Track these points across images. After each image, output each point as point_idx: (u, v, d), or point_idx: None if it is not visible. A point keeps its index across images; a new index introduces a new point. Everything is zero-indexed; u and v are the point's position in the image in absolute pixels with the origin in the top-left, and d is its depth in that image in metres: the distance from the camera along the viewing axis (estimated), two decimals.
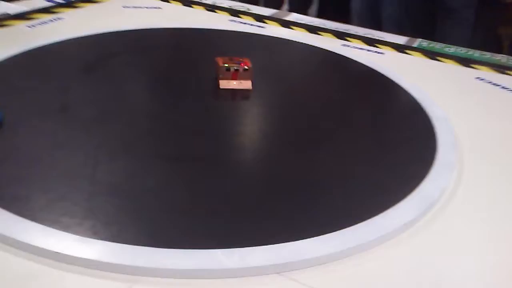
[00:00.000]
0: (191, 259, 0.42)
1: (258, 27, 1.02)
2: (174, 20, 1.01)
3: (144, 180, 0.53)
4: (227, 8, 1.11)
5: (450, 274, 0.44)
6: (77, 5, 1.04)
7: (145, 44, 0.88)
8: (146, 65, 0.82)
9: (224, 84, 0.72)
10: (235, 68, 0.72)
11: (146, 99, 0.73)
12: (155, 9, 1.07)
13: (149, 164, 0.56)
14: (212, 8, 1.11)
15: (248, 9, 1.12)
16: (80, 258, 0.42)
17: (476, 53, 0.97)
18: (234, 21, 1.05)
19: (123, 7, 1.06)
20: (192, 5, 1.12)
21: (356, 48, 0.95)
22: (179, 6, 1.11)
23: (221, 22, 1.03)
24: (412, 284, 0.43)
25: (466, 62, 0.92)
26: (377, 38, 1.01)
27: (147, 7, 1.07)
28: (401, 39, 1.01)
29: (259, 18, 1.07)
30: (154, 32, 0.93)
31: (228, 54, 0.75)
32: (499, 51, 1.01)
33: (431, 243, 0.48)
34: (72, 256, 0.42)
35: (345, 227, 0.46)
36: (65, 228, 0.44)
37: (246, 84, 0.73)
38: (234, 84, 0.72)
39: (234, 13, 1.09)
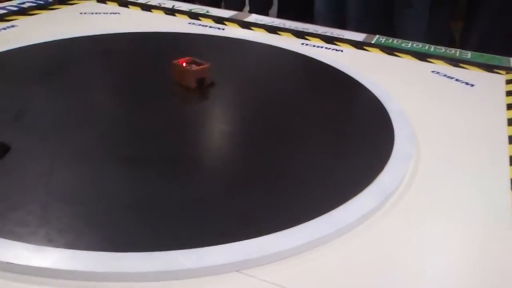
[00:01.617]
0: (149, 262, 0.42)
1: (217, 29, 1.02)
2: (133, 25, 1.01)
3: (101, 185, 0.52)
4: (186, 11, 1.11)
5: (407, 264, 0.45)
6: (32, 12, 1.03)
7: (103, 50, 0.87)
8: (105, 70, 0.81)
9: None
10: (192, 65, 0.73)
11: (104, 104, 0.72)
12: (113, 14, 1.06)
13: (106, 168, 0.55)
14: (171, 12, 1.10)
15: (208, 12, 1.12)
16: (35, 267, 0.41)
17: (431, 48, 0.99)
18: (194, 23, 1.05)
19: (80, 13, 1.05)
20: (152, 10, 1.11)
21: (315, 46, 0.96)
22: (138, 11, 1.11)
23: (180, 25, 1.03)
24: (371, 275, 0.43)
25: (422, 56, 0.94)
26: (336, 36, 1.02)
27: (105, 13, 1.06)
28: (359, 36, 1.03)
29: (219, 20, 1.07)
30: (113, 37, 0.92)
31: (188, 56, 0.75)
32: (453, 44, 1.03)
33: (389, 234, 0.48)
34: (27, 266, 0.41)
35: (304, 222, 0.47)
36: (19, 238, 0.43)
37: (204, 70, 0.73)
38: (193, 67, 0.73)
39: (194, 16, 1.09)
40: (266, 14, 1.64)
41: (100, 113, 0.68)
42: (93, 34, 0.92)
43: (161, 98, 0.72)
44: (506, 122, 0.72)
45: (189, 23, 1.05)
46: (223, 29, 1.03)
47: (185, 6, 1.14)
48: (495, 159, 0.63)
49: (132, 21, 1.04)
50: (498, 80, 0.86)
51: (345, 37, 1.01)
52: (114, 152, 0.58)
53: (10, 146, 0.57)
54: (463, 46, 1.01)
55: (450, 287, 0.43)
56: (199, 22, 1.06)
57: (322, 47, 0.96)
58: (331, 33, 1.04)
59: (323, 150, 0.61)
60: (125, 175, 0.54)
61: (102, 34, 0.92)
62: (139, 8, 1.12)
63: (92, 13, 1.05)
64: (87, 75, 0.77)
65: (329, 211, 0.48)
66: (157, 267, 0.42)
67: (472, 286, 0.43)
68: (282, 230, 0.45)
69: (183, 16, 1.09)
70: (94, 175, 0.54)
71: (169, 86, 0.74)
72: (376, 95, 0.75)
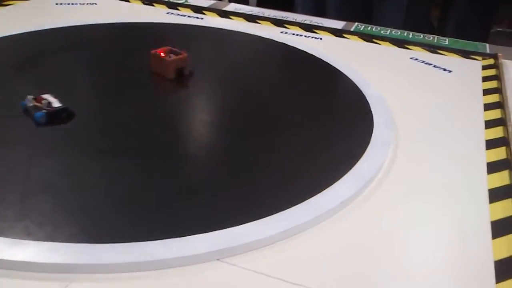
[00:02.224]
0: (129, 253, 0.42)
1: (196, 19, 1.01)
2: (110, 15, 0.99)
3: (79, 177, 0.52)
4: (164, 1, 1.10)
5: (387, 250, 0.46)
6: (6, 3, 1.01)
7: (80, 41, 0.86)
8: (82, 61, 0.80)
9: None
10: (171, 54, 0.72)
11: (82, 95, 0.71)
12: (90, 5, 1.04)
13: (85, 159, 0.55)
14: (149, 1, 1.09)
15: (186, 1, 1.11)
16: (14, 261, 0.41)
17: (410, 35, 1.00)
18: (172, 13, 1.04)
19: (56, 4, 1.03)
20: (129, 0, 1.10)
21: (295, 34, 0.96)
22: (115, 1, 1.09)
23: (158, 15, 1.02)
24: (350, 261, 0.44)
25: (400, 43, 0.94)
26: (315, 24, 1.02)
27: (81, 4, 1.04)
28: (338, 24, 1.03)
29: (198, 9, 1.06)
30: (90, 28, 0.91)
31: (166, 46, 0.74)
32: (432, 31, 1.04)
33: (368, 220, 0.49)
34: (5, 260, 0.41)
35: (283, 210, 0.47)
36: None
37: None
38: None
39: (172, 5, 1.08)
40: (246, 3, 1.63)
41: (78, 105, 0.67)
42: (70, 25, 0.90)
43: (139, 89, 0.71)
44: (482, 107, 0.73)
45: (168, 13, 1.04)
46: (202, 18, 1.02)
47: None
48: (472, 144, 0.63)
49: (110, 12, 1.02)
50: (475, 66, 0.87)
51: (324, 25, 1.01)
52: (92, 144, 0.58)
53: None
54: (441, 34, 1.02)
55: (431, 271, 0.44)
56: (177, 11, 1.05)
57: (301, 35, 0.96)
58: (310, 21, 1.04)
59: (302, 137, 0.61)
60: (104, 166, 0.54)
61: (79, 25, 0.91)
62: None
63: (69, 4, 1.04)
64: (63, 67, 0.76)
65: (308, 198, 0.49)
66: (137, 258, 0.42)
67: (452, 270, 0.44)
68: (262, 218, 0.46)
69: (161, 6, 1.08)
70: (72, 167, 0.53)
71: (147, 77, 0.74)
72: (355, 82, 0.75)
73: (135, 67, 0.76)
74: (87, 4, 1.05)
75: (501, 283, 0.42)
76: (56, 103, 0.61)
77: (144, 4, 1.08)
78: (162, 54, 0.72)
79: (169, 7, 1.07)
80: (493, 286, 0.42)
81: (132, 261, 0.41)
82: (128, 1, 1.09)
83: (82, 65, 0.79)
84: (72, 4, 1.04)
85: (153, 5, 1.08)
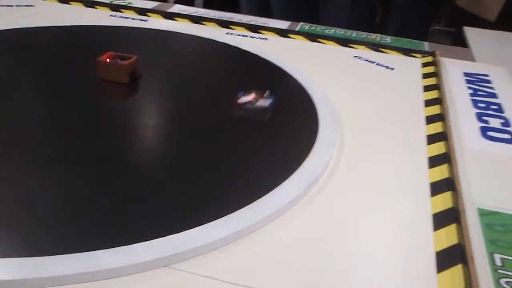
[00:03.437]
0: (74, 264, 0.41)
1: (140, 21, 1.00)
2: (50, 18, 0.96)
3: (18, 189, 0.50)
4: (107, 3, 1.07)
5: (336, 246, 0.46)
6: None
7: (19, 46, 0.83)
8: (22, 67, 0.77)
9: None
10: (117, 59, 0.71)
11: (22, 102, 0.68)
12: (27, 7, 1.01)
13: (28, 170, 0.53)
14: (91, 4, 1.07)
15: (129, 3, 1.09)
16: None
17: (353, 33, 1.02)
18: (115, 16, 1.02)
19: None
20: (70, 2, 1.07)
21: (240, 35, 0.96)
22: (54, 3, 1.06)
23: (101, 18, 1.00)
24: (300, 259, 0.44)
25: (344, 42, 0.96)
26: (260, 24, 1.02)
27: (18, 5, 1.00)
28: (283, 24, 1.04)
29: (141, 11, 1.05)
30: (28, 32, 0.88)
31: (110, 50, 0.72)
32: (374, 31, 1.07)
33: (317, 218, 0.50)
34: None
35: (231, 212, 0.47)
36: None
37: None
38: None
39: (115, 8, 1.06)
40: (191, 5, 1.62)
41: (17, 112, 0.65)
42: (5, 28, 0.87)
43: (82, 95, 0.69)
44: (423, 103, 0.75)
45: (111, 15, 1.02)
46: (146, 20, 1.00)
47: None
48: (415, 139, 0.65)
49: (49, 14, 0.99)
50: (415, 63, 0.90)
51: (269, 26, 1.02)
52: (36, 153, 0.56)
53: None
54: (383, 32, 1.05)
55: (377, 265, 0.45)
56: (120, 14, 1.03)
57: (247, 36, 0.96)
58: (256, 21, 1.04)
59: (248, 139, 0.62)
60: (48, 176, 0.52)
61: (15, 28, 0.87)
62: (56, 0, 1.07)
63: (4, 6, 0.99)
64: (2, 72, 0.73)
65: (256, 199, 0.49)
66: (83, 268, 0.40)
67: (398, 262, 0.45)
68: (209, 222, 0.45)
69: (104, 8, 1.05)
70: (15, 178, 0.51)
71: (92, 82, 0.72)
72: (300, 81, 0.76)
73: (79, 72, 0.74)
74: (24, 6, 1.01)
75: (441, 272, 0.44)
76: None
77: (86, 6, 1.06)
78: (108, 60, 0.70)
79: (112, 10, 1.05)
80: (434, 275, 0.43)
81: (79, 272, 0.40)
82: (69, 3, 1.06)
83: (21, 72, 0.76)
84: (8, 6, 1.00)
85: (95, 8, 1.05)
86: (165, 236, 0.43)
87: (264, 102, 0.66)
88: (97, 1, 1.07)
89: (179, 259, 0.42)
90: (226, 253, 0.44)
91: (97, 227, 0.45)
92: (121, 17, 1.01)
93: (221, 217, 0.46)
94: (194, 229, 0.44)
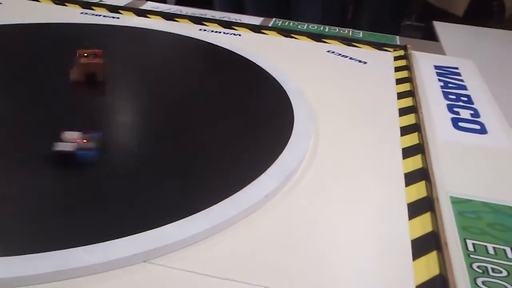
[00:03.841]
0: (50, 262, 0.40)
1: (112, 18, 0.99)
2: (17, 15, 0.94)
3: None
4: (78, 0, 1.06)
5: (313, 239, 0.47)
6: None
7: None
8: None
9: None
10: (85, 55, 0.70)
11: None
12: None
13: None
14: (61, 1, 1.05)
15: (101, 1, 1.08)
16: None
17: (326, 29, 1.03)
18: (86, 13, 1.01)
19: None
20: None
21: (214, 32, 0.96)
22: (23, 0, 1.04)
23: (71, 15, 0.98)
24: (277, 253, 0.45)
25: (317, 37, 0.97)
26: (233, 20, 1.02)
27: None
28: (256, 20, 1.04)
29: (113, 8, 1.03)
30: None
31: (79, 48, 0.71)
32: (347, 25, 1.08)
33: (293, 212, 0.50)
34: None
35: (208, 207, 0.47)
36: None
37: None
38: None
39: (86, 5, 1.04)
40: (164, 2, 1.61)
41: None
42: None
43: (56, 94, 0.68)
44: (396, 96, 0.76)
45: (82, 13, 1.00)
46: (118, 18, 0.99)
47: None
48: (388, 131, 0.66)
49: (16, 11, 0.97)
50: (387, 57, 0.91)
51: (242, 21, 1.02)
52: (3, 153, 0.55)
53: None
54: (355, 27, 1.06)
55: (354, 255, 0.45)
56: (92, 11, 1.02)
57: (220, 32, 0.96)
58: (229, 18, 1.04)
59: (224, 134, 0.62)
60: (18, 176, 0.51)
61: None
62: None
63: None
64: None
65: (232, 194, 0.49)
66: (60, 266, 0.40)
67: (374, 251, 0.46)
68: (187, 217, 0.45)
69: (74, 5, 1.04)
70: None
71: (62, 81, 0.70)
72: (274, 76, 0.76)
73: (48, 71, 0.73)
74: None
75: (417, 259, 0.45)
76: None
77: (55, 4, 1.04)
78: (78, 56, 0.70)
79: (83, 7, 1.03)
80: (410, 262, 0.44)
81: (54, 270, 0.40)
82: (38, 1, 1.04)
83: None
84: None
85: (65, 5, 1.04)
86: (143, 231, 0.43)
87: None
88: None
89: (158, 254, 0.42)
90: (205, 246, 0.44)
91: (73, 225, 0.45)
92: (93, 14, 1.00)
93: (198, 212, 0.46)
94: (173, 223, 0.44)
